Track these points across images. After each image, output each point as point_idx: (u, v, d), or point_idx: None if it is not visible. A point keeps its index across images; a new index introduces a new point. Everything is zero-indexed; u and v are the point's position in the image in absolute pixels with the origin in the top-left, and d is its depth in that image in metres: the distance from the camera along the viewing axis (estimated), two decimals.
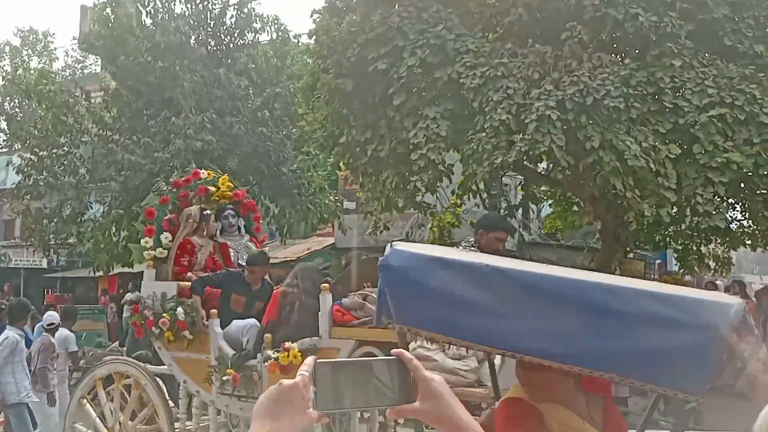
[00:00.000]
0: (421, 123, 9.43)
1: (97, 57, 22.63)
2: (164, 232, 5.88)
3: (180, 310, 5.38)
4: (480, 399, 4.24)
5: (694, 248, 12.91)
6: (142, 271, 6.20)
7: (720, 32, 9.17)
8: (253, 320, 5.42)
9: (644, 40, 8.83)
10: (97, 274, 16.20)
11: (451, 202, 13.63)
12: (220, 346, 5.27)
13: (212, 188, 6.29)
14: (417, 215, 13.93)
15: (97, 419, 6.03)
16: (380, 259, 2.34)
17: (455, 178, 12.04)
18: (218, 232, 6.25)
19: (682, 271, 14.63)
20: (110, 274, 16.51)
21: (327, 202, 15.96)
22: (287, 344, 4.75)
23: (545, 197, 14.95)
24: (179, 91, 13.81)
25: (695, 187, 8.57)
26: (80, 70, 30.54)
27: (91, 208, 15.17)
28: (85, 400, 6.11)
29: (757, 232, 12.39)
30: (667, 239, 13.76)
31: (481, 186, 13.51)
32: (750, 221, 11.81)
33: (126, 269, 14.55)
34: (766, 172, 8.52)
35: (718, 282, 17.02)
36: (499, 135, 8.77)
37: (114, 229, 13.52)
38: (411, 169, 9.95)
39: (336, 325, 4.69)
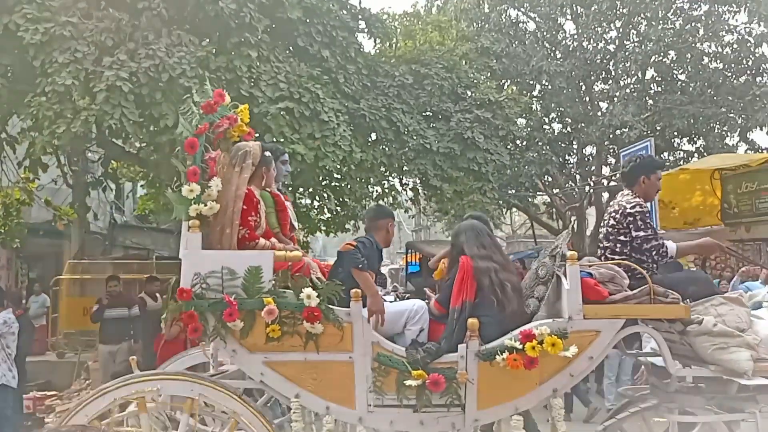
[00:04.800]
0: None
1: None
2: (213, 177, 3.81)
3: (309, 291, 3.67)
4: None
5: None
6: None
7: (295, 33, 9.96)
8: (421, 302, 4.10)
9: (225, 26, 8.98)
10: None
11: (21, 176, 11.90)
12: (377, 340, 3.75)
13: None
14: None
15: None
16: None
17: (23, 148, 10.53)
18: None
19: None
20: None
21: None
22: (537, 329, 3.64)
23: (136, 176, 14.23)
24: None
25: None
26: None
27: None
28: None
29: (329, 219, 14.03)
30: None
31: (60, 159, 12.15)
32: (319, 209, 13.24)
33: None
34: (324, 165, 9.53)
35: None
36: (63, 101, 7.87)
37: None
38: None
39: (588, 303, 3.77)
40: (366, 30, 11.67)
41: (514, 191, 16.01)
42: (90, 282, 12.12)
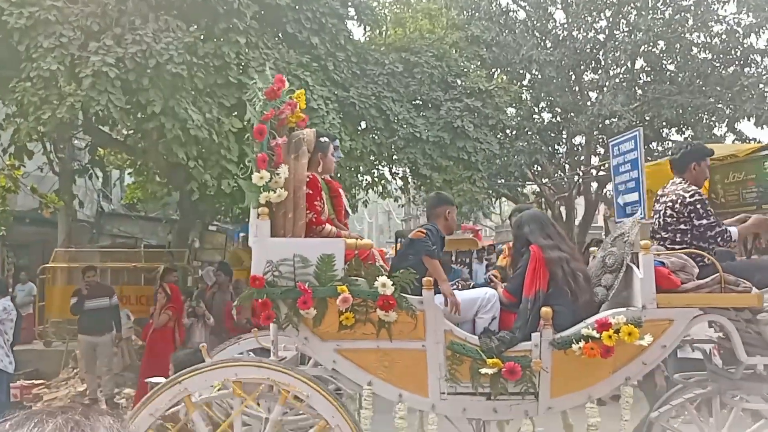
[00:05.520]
0: None
1: None
2: (281, 164, 3.76)
3: (384, 280, 3.69)
4: None
5: None
6: None
7: (284, 19, 9.87)
8: (492, 290, 4.12)
9: (213, 12, 8.89)
10: None
11: (7, 163, 11.76)
12: (449, 328, 3.77)
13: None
14: None
15: None
16: None
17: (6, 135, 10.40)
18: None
19: None
20: None
21: None
22: (614, 318, 3.65)
23: (123, 164, 14.11)
24: None
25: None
26: None
27: None
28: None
29: None
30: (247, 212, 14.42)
31: (46, 146, 12.02)
32: None
33: None
34: None
35: None
36: (49, 87, 7.76)
37: None
38: None
39: (661, 292, 3.81)
40: (356, 17, 11.59)
41: (503, 180, 16.04)
42: (77, 271, 12.02)
